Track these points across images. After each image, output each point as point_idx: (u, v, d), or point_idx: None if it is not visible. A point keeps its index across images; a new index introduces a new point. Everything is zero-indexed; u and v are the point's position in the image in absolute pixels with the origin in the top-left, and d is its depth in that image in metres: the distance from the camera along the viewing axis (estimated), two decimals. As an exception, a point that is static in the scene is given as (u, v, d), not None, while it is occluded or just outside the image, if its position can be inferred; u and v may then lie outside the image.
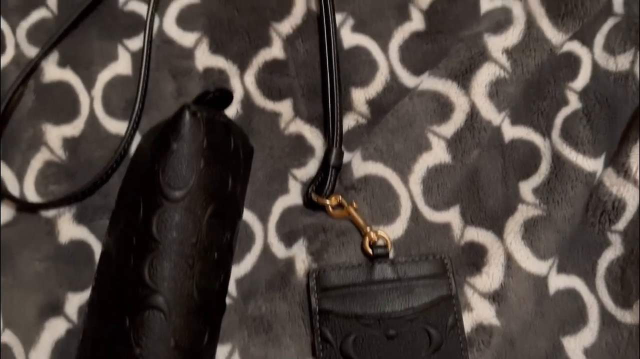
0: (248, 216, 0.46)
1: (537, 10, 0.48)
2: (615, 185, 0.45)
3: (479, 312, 0.44)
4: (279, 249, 0.45)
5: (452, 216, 0.46)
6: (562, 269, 0.45)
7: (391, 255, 0.44)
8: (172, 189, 0.38)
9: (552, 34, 0.48)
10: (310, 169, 0.47)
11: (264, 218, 0.46)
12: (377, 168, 0.46)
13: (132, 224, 0.39)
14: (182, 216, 0.38)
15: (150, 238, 0.38)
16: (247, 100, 0.48)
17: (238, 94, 0.48)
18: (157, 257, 0.37)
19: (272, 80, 0.49)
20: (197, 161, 0.39)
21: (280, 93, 0.49)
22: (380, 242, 0.44)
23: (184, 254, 0.38)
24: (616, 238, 0.45)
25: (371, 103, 0.49)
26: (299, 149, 0.48)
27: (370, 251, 0.44)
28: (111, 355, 0.37)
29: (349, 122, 0.48)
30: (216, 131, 0.41)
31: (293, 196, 0.47)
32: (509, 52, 0.47)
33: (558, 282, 0.44)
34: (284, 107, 0.48)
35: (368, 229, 0.44)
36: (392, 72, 0.49)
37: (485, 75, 0.47)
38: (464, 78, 0.47)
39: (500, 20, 0.48)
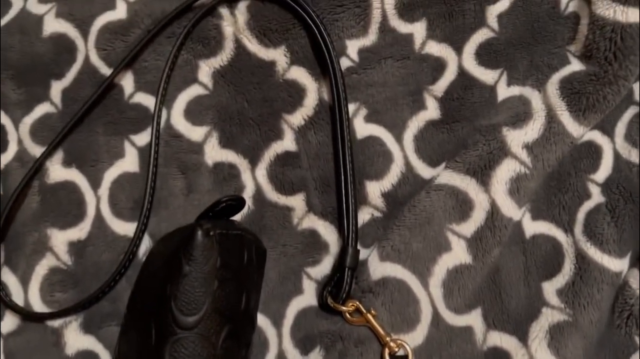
0: (261, 320, 0.44)
1: (557, 103, 0.46)
2: (642, 288, 0.44)
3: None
4: (295, 357, 0.44)
5: (474, 320, 0.44)
6: (590, 373, 0.43)
7: (412, 363, 0.43)
8: (186, 315, 0.36)
9: (574, 127, 0.46)
10: (325, 266, 0.46)
11: (277, 322, 0.44)
12: (395, 270, 0.45)
13: (144, 350, 0.37)
14: (197, 344, 0.36)
15: (163, 371, 0.36)
16: (258, 195, 0.47)
17: (249, 189, 0.47)
18: (171, 391, 0.36)
19: (284, 173, 0.47)
20: (210, 283, 0.37)
21: (293, 187, 0.47)
22: (401, 352, 0.43)
23: (198, 383, 0.36)
24: (645, 342, 0.44)
25: (387, 196, 0.47)
26: (313, 246, 0.46)
27: (390, 362, 0.43)
28: None
29: (364, 216, 0.47)
30: (230, 247, 0.39)
31: (308, 297, 0.45)
32: (530, 148, 0.46)
33: (585, 377, 0.43)
34: (297, 202, 0.47)
35: (388, 339, 0.43)
36: (407, 164, 0.47)
37: (505, 171, 0.46)
38: (483, 174, 0.46)
39: (520, 113, 0.47)
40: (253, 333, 0.42)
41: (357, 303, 0.44)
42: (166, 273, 0.38)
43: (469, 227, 0.45)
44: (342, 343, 0.43)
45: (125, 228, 0.46)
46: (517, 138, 0.46)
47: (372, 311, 0.43)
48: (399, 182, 0.47)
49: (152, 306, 0.38)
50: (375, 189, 0.47)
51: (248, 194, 0.47)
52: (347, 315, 0.44)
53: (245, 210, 0.46)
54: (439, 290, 0.44)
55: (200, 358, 0.36)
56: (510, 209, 0.46)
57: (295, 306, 0.45)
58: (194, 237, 0.38)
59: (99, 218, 0.46)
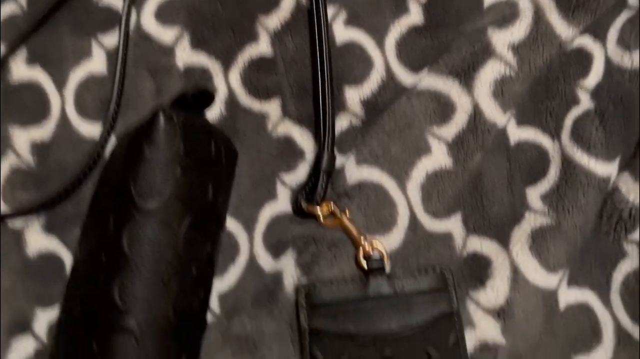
0: (232, 224, 0.42)
1: (546, 3, 0.44)
2: (632, 191, 0.42)
3: (482, 330, 0.40)
4: (266, 261, 0.42)
5: (453, 225, 0.42)
6: (573, 282, 0.41)
7: (387, 268, 0.41)
8: (145, 200, 0.35)
9: (562, 28, 0.44)
10: (300, 174, 0.44)
11: (249, 227, 0.42)
12: (372, 174, 0.43)
13: (102, 238, 0.35)
14: (156, 229, 0.35)
15: (120, 254, 0.34)
16: (231, 100, 0.45)
17: (222, 94, 0.45)
18: (128, 275, 0.34)
19: (259, 78, 0.45)
20: (172, 169, 0.35)
21: (268, 92, 0.45)
22: (376, 254, 0.41)
23: (158, 271, 0.34)
24: (633, 249, 0.41)
25: (366, 103, 0.45)
26: (288, 153, 0.44)
27: (364, 264, 0.40)
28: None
29: (342, 123, 0.45)
30: (195, 136, 0.37)
31: (281, 203, 0.43)
32: (515, 48, 0.43)
33: (569, 296, 0.41)
34: (272, 108, 0.45)
35: (362, 240, 0.41)
36: (388, 70, 0.45)
37: (489, 73, 0.43)
38: (466, 76, 0.44)
39: (506, 14, 0.44)
40: (221, 232, 0.40)
41: (332, 204, 0.42)
42: (127, 160, 0.36)
43: (450, 130, 0.43)
44: (316, 246, 0.41)
45: (92, 130, 0.44)
46: (503, 39, 0.44)
47: (347, 213, 0.42)
48: (379, 89, 0.45)
49: (111, 196, 0.37)
50: (354, 96, 0.45)
51: (220, 99, 0.45)
52: (321, 218, 0.42)
53: (216, 115, 0.44)
54: (417, 194, 0.42)
55: (160, 244, 0.35)
56: (494, 112, 0.43)
57: (269, 211, 0.43)
58: (156, 121, 0.36)
59: (63, 119, 0.44)
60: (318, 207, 0.42)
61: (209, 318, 0.40)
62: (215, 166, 0.38)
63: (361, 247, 0.41)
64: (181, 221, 0.35)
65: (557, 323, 0.40)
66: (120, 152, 0.38)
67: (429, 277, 0.40)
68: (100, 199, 0.38)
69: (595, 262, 0.41)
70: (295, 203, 0.43)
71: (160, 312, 0.34)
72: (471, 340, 0.40)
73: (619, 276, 0.41)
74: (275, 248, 0.42)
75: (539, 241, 0.41)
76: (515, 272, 0.41)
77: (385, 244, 0.41)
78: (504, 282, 0.41)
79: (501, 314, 0.40)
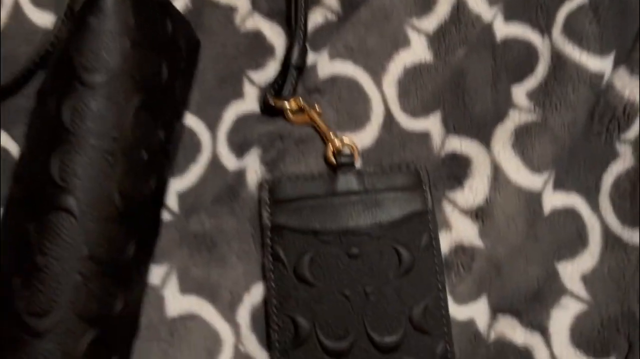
0: (195, 122, 0.40)
1: None
2: (627, 87, 0.38)
3: (459, 231, 0.37)
4: (229, 160, 0.39)
5: (431, 124, 0.39)
6: (559, 185, 0.38)
7: (358, 165, 0.38)
8: (90, 73, 0.32)
9: None
10: (269, 71, 0.41)
11: (213, 126, 0.39)
12: (345, 67, 0.40)
13: (44, 115, 0.33)
14: (101, 104, 0.32)
15: (61, 129, 0.31)
16: (197, -8, 0.42)
17: (187, -15, 0.42)
18: (69, 151, 0.31)
19: (228, -31, 0.42)
20: (121, 42, 0.32)
21: (236, -16, 0.42)
22: (346, 150, 0.38)
23: (102, 149, 0.32)
24: (626, 149, 0.38)
25: (343, -3, 0.42)
26: (257, 49, 0.41)
27: (333, 160, 0.37)
28: (12, 267, 0.31)
29: (315, 18, 0.41)
30: (149, 11, 0.34)
31: (248, 102, 0.40)
32: None
33: (554, 200, 0.38)
34: (240, 0, 0.42)
35: (332, 135, 0.38)
36: (366, -38, 0.42)
37: (474, -41, 0.40)
38: (449, -37, 0.41)
39: None
40: (177, 122, 0.37)
41: (300, 100, 0.39)
42: (71, 33, 0.33)
43: (431, 22, 0.40)
44: (282, 142, 0.39)
45: (46, 19, 0.41)
46: None
47: (317, 108, 0.39)
48: (356, -18, 0.42)
49: (54, 71, 0.34)
50: (329, -11, 0.42)
51: (186, -9, 0.42)
52: (289, 113, 0.39)
53: (181, 7, 0.41)
54: (393, 89, 0.39)
55: (105, 120, 0.32)
56: (479, 4, 0.40)
57: (234, 110, 0.40)
58: (102, -11, 0.33)
59: (16, 7, 0.41)
60: (286, 102, 0.39)
61: (167, 216, 0.37)
62: (171, 47, 0.35)
63: (330, 142, 0.38)
64: (130, 98, 0.32)
65: (541, 227, 0.37)
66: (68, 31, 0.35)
67: (402, 174, 0.37)
68: (47, 81, 0.36)
69: (584, 165, 0.38)
70: (263, 100, 0.40)
71: (103, 192, 0.31)
72: (446, 242, 0.37)
73: (609, 178, 0.38)
74: (240, 147, 0.39)
75: (522, 138, 0.38)
76: (496, 171, 0.38)
77: (357, 142, 0.39)
78: (483, 182, 0.38)
79: (479, 215, 0.37)
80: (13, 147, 0.39)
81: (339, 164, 0.37)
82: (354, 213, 0.36)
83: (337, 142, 0.38)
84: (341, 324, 0.35)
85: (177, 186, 0.38)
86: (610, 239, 0.37)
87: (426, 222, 0.36)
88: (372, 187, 0.37)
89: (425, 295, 0.35)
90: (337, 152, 0.37)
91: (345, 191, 0.37)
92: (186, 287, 0.36)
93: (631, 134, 0.38)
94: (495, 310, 0.37)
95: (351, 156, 0.37)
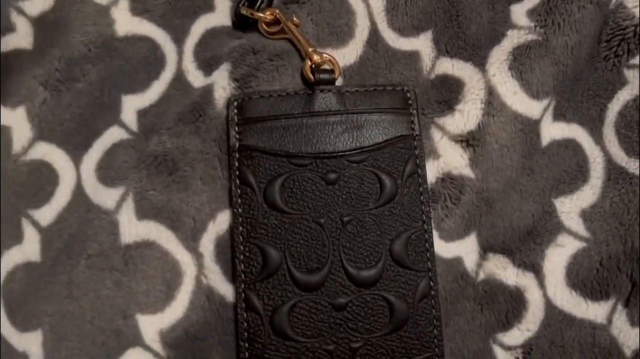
0: (158, 34, 0.35)
1: None
2: None
3: (447, 159, 0.34)
4: (196, 77, 0.35)
5: (421, 44, 0.35)
6: (559, 114, 0.35)
7: (339, 84, 0.35)
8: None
9: None
10: (244, -16, 0.37)
11: (179, 39, 0.35)
12: (326, -22, 0.36)
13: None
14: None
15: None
16: None
17: None
18: None
19: None
20: None
21: None
22: (326, 66, 0.34)
23: None
24: (635, 75, 0.34)
25: None
26: (230, -43, 0.37)
27: (311, 76, 0.34)
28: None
29: None
30: None
31: (220, 15, 0.36)
32: None
33: (554, 131, 0.34)
34: None
35: (310, 49, 0.34)
36: None
37: None
38: None
39: None
40: None
41: (277, 11, 0.35)
42: None
43: None
44: (255, 57, 0.35)
45: None
46: None
47: (294, 19, 0.35)
48: None
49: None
50: None
51: None
52: (264, 26, 0.35)
53: None
54: (380, 3, 0.36)
55: None
56: None
57: (203, 23, 0.36)
58: None
59: None
60: (260, 13, 0.35)
61: (124, 135, 0.34)
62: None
63: (308, 57, 0.34)
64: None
65: (538, 160, 0.34)
66: None
67: (387, 95, 0.34)
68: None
69: (588, 93, 0.35)
70: (235, 12, 0.36)
71: None
72: (433, 171, 0.34)
73: (615, 106, 0.34)
74: (208, 63, 0.35)
75: (521, 59, 0.34)
76: (491, 94, 0.34)
77: (338, 59, 0.35)
78: (476, 106, 0.34)
79: (471, 142, 0.34)
80: None
81: (318, 81, 0.33)
82: (333, 135, 0.32)
83: (316, 57, 0.34)
84: (315, 255, 0.31)
85: (137, 103, 0.34)
86: (613, 172, 0.34)
87: (412, 147, 0.33)
88: (353, 107, 0.33)
89: (408, 227, 0.32)
90: (316, 68, 0.34)
91: (324, 111, 0.33)
92: (143, 212, 0.33)
93: (640, 58, 0.35)
94: (485, 248, 0.33)
95: (331, 72, 0.34)
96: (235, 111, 0.33)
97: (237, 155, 0.32)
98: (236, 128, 0.33)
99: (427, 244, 0.32)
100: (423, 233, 0.32)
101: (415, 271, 0.32)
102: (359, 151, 0.32)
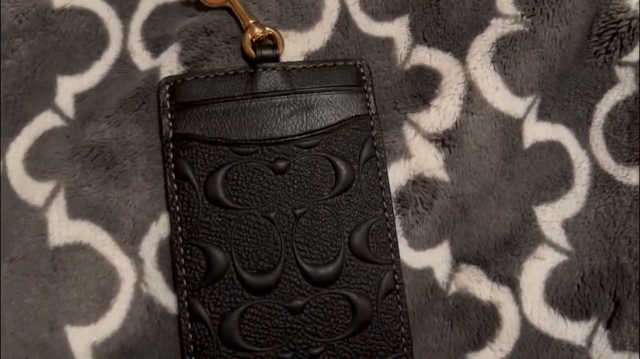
0: (102, 8, 0.31)
1: None
2: (635, -4, 0.32)
3: (420, 160, 0.30)
4: (143, 59, 0.31)
5: (396, 30, 0.32)
6: (544, 114, 0.31)
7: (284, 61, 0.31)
8: None
9: None
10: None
11: (125, 14, 0.31)
12: (294, -49, 0.32)
13: None
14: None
15: None
16: None
17: None
18: None
19: None
20: None
21: None
22: (268, 40, 0.30)
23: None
24: (627, 73, 0.32)
25: None
26: None
27: (252, 51, 0.30)
28: None
29: None
30: None
31: (172, -12, 0.32)
32: None
33: (537, 131, 0.31)
34: None
35: (251, 21, 0.30)
36: None
37: None
38: None
39: None
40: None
41: (229, -16, 0.31)
42: None
43: None
44: (208, 37, 0.31)
45: None
46: None
47: (244, -8, 0.31)
48: None
49: None
50: None
51: None
52: (207, -7, 0.31)
53: None
54: (352, -16, 0.32)
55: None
56: None
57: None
58: None
59: None
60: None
61: (58, 121, 0.30)
62: None
63: (248, 30, 0.30)
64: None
65: (518, 163, 0.31)
66: None
67: (338, 71, 0.30)
68: None
69: (575, 91, 0.32)
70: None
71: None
72: (404, 172, 0.30)
73: (604, 107, 0.31)
74: (156, 43, 0.31)
75: (505, 51, 0.31)
76: (471, 90, 0.31)
77: (303, 43, 0.31)
78: (454, 101, 0.31)
79: (446, 141, 0.30)
80: None
81: (259, 58, 0.29)
82: (279, 118, 0.29)
83: (257, 30, 0.30)
84: (265, 254, 0.28)
85: (75, 85, 0.30)
86: (600, 179, 0.31)
87: (368, 128, 0.29)
88: (301, 86, 0.29)
89: (368, 216, 0.29)
90: (257, 43, 0.30)
91: (268, 92, 0.29)
92: (76, 211, 0.29)
93: (634, 56, 0.31)
94: (458, 259, 0.30)
95: (274, 47, 0.30)
96: (168, 95, 0.29)
97: (171, 145, 0.28)
98: (169, 115, 0.29)
99: (389, 234, 0.29)
100: (385, 222, 0.29)
101: (378, 265, 0.28)
102: (309, 134, 0.29)
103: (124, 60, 0.31)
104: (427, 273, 0.30)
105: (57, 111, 0.30)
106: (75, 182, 0.29)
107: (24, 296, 0.28)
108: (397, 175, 0.30)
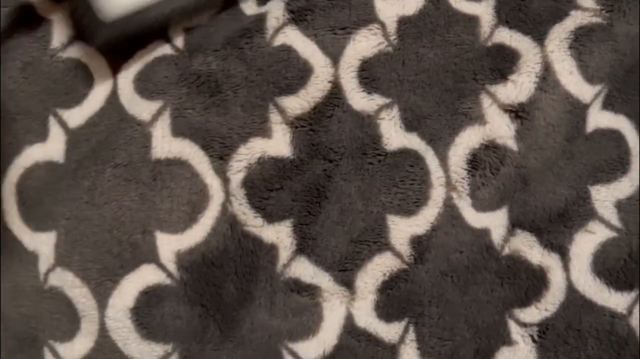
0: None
1: None
2: None
3: (494, 127, 0.33)
4: (249, 6, 0.34)
5: (482, 10, 0.34)
6: (608, 104, 0.34)
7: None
8: None
9: None
10: None
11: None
12: None
13: None
14: None
15: None
16: None
17: None
18: None
19: None
20: None
21: None
22: None
23: None
24: (690, 75, 0.35)
25: None
26: None
27: None
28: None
29: None
30: None
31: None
32: None
33: (600, 119, 0.34)
34: None
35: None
36: None
37: None
38: None
39: None
40: None
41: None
42: None
43: None
44: (314, -7, 0.34)
45: None
46: None
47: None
48: None
49: None
50: None
51: None
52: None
53: None
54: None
55: None
56: None
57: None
58: None
59: None
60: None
61: (168, 50, 0.32)
62: None
63: None
64: None
65: (580, 145, 0.33)
66: None
67: None
68: None
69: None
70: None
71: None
72: (477, 137, 0.33)
73: (666, 103, 0.34)
74: (264, -7, 0.34)
75: (582, 40, 0.34)
76: (547, 70, 0.33)
77: (398, 7, 0.34)
78: (530, 78, 0.33)
79: (520, 114, 0.33)
80: None
81: None
82: None
83: None
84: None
85: (186, 22, 0.34)
86: (655, 168, 0.34)
87: None
88: None
89: None
90: None
91: None
92: (179, 129, 0.32)
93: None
94: (515, 224, 0.33)
95: None
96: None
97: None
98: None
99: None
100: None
101: None
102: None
103: (232, 3, 0.34)
104: (485, 233, 0.33)
105: (169, 40, 0.33)
106: (181, 104, 0.32)
107: (123, 199, 0.31)
108: (472, 138, 0.33)
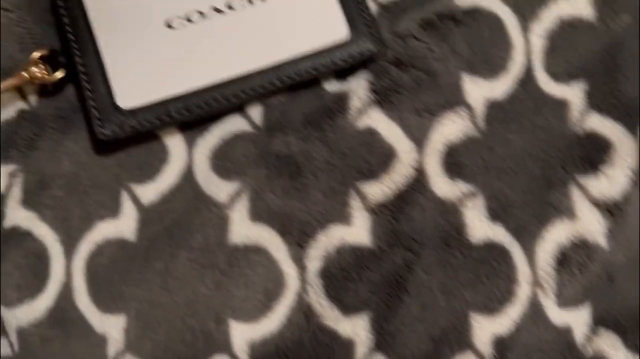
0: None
1: None
2: None
3: (584, 223, 0.31)
4: (330, 83, 0.33)
5: (573, 94, 0.33)
6: (703, 200, 0.33)
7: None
8: None
9: None
10: None
11: (319, 35, 0.34)
12: (490, 2, 0.34)
13: None
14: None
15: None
16: None
17: None
18: None
19: None
20: None
21: None
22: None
23: None
24: None
25: None
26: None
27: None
28: None
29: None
30: None
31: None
32: None
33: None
34: None
35: (461, 76, 0.32)
36: None
37: None
38: None
39: None
40: None
41: (431, 27, 0.33)
42: None
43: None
44: (398, 69, 0.33)
45: None
46: None
47: (449, 41, 0.32)
48: None
49: None
50: None
51: None
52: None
53: None
54: (541, 42, 0.32)
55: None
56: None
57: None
58: None
59: None
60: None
61: (245, 127, 0.31)
62: None
63: None
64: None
65: (671, 244, 0.32)
66: None
67: None
68: None
69: None
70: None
71: None
72: (566, 232, 0.31)
73: None
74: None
75: (681, 133, 0.33)
76: (641, 163, 0.32)
77: (487, 90, 0.33)
78: (623, 173, 0.32)
79: (613, 211, 0.32)
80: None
81: None
82: None
83: None
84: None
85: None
86: None
87: None
88: None
89: None
90: None
91: None
92: (258, 213, 0.30)
93: None
94: (598, 322, 0.31)
95: None
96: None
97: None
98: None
99: None
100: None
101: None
102: None
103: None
104: (567, 331, 0.31)
105: (247, 117, 0.32)
106: (260, 187, 0.31)
107: (198, 286, 0.30)
108: (560, 234, 0.31)
